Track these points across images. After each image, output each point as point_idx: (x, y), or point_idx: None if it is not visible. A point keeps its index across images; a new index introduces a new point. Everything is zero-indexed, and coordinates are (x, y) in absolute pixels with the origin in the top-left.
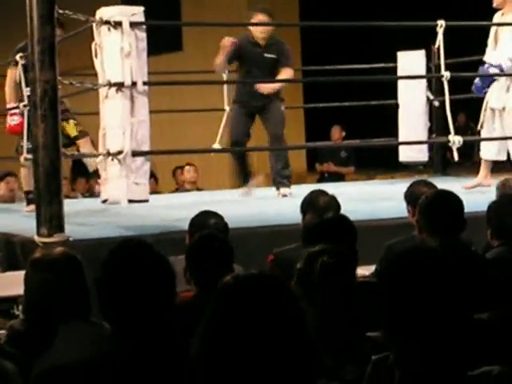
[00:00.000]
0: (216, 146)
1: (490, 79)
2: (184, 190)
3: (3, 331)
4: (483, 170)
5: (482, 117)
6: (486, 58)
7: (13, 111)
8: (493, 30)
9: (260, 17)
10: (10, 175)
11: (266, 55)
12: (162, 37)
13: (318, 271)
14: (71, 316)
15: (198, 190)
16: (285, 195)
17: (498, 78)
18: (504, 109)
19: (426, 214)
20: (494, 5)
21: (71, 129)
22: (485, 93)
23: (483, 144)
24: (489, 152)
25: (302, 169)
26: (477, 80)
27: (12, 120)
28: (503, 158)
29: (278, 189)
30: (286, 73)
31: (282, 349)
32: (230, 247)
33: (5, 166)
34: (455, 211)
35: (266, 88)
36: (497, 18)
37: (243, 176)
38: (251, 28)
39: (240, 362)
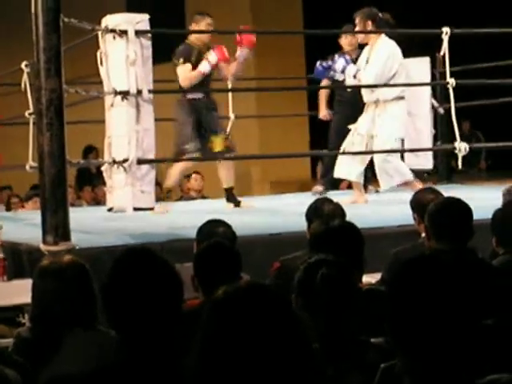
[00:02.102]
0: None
1: (325, 68)
2: (189, 197)
3: (9, 339)
4: (354, 189)
5: (347, 141)
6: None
7: None
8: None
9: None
10: (37, 195)
11: None
12: (167, 45)
13: (318, 283)
14: (78, 324)
15: (203, 197)
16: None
17: (366, 108)
18: (372, 137)
19: (435, 222)
20: (359, 41)
21: (219, 143)
22: (328, 77)
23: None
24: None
25: (307, 176)
26: (318, 64)
27: None
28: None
29: None
30: None
31: (278, 360)
32: (239, 256)
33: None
34: (464, 219)
35: None
36: (367, 50)
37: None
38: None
39: (235, 375)
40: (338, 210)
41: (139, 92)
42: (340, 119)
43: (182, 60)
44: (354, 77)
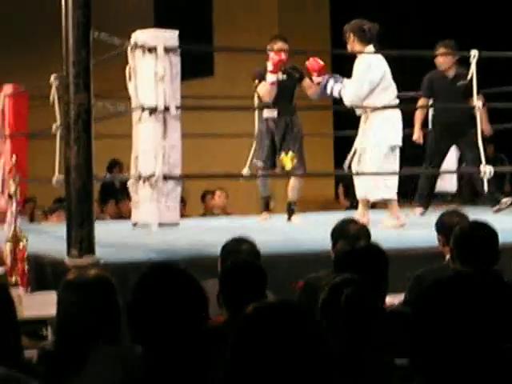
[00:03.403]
0: (246, 171)
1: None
2: (212, 214)
3: (32, 350)
4: (360, 207)
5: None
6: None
7: None
8: None
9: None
10: (61, 208)
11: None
12: (194, 62)
13: (343, 303)
14: (103, 338)
15: (227, 214)
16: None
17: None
18: (365, 149)
19: (460, 244)
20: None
21: (288, 161)
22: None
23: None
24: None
25: (331, 196)
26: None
27: None
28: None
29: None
30: None
31: (304, 378)
32: (264, 274)
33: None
34: (489, 242)
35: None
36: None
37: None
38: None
39: None
40: (364, 231)
41: (167, 108)
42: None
43: (256, 81)
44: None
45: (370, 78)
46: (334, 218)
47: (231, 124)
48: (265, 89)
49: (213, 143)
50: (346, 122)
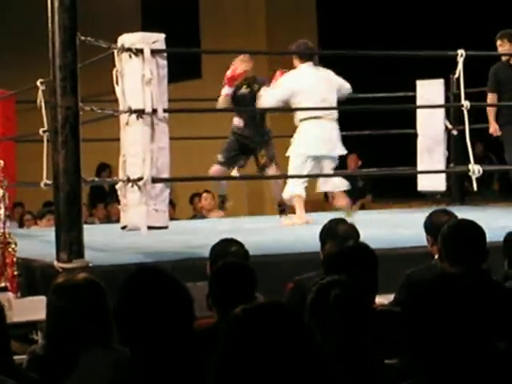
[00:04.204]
0: (234, 173)
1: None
2: (201, 216)
3: (22, 356)
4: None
5: None
6: None
7: None
8: None
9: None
10: (50, 213)
11: None
12: (182, 64)
13: (330, 304)
14: (93, 342)
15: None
16: None
17: None
18: None
19: (448, 244)
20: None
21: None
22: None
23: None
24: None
25: (320, 197)
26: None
27: None
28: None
29: None
30: None
31: (292, 378)
32: (253, 275)
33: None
34: (477, 241)
35: None
36: None
37: None
38: None
39: None
40: (352, 231)
41: (154, 111)
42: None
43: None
44: None
45: (283, 91)
46: (324, 218)
47: (219, 126)
48: (220, 99)
49: (201, 145)
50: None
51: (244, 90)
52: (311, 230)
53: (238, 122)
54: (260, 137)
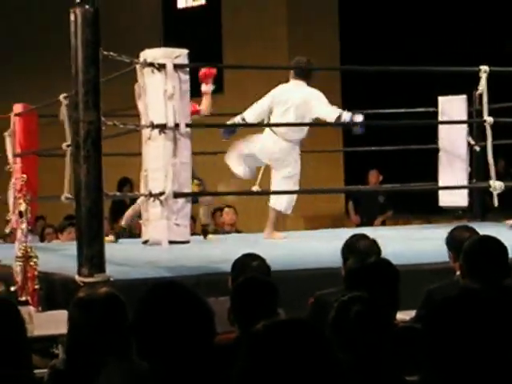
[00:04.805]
0: (256, 188)
1: None
2: (223, 231)
3: (43, 370)
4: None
5: None
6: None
7: None
8: None
9: None
10: (71, 225)
11: None
12: None
13: (351, 320)
14: (114, 356)
15: (237, 231)
16: None
17: None
18: None
19: (470, 259)
20: None
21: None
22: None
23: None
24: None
25: (341, 212)
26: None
27: None
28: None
29: None
30: None
31: None
32: (275, 290)
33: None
34: (499, 257)
35: None
36: None
37: None
38: None
39: None
40: (374, 247)
41: (177, 126)
42: None
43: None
44: None
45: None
46: (345, 234)
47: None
48: None
49: (223, 160)
50: (356, 138)
51: None
52: (331, 245)
53: None
54: None
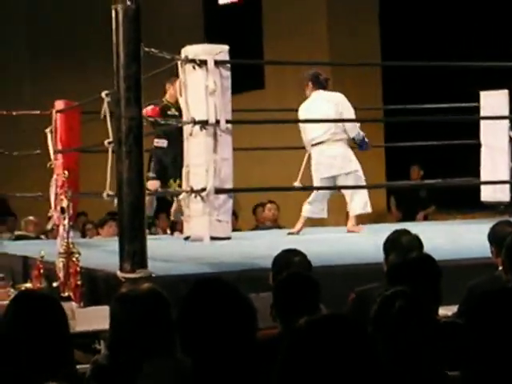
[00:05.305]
0: (297, 184)
1: None
2: (264, 227)
3: (85, 365)
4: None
5: None
6: None
7: None
8: None
9: None
10: (112, 220)
11: None
12: (245, 75)
13: (394, 315)
14: (156, 352)
15: (279, 227)
16: None
17: None
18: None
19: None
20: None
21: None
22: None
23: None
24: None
25: (383, 208)
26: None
27: None
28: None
29: None
30: None
31: None
32: (317, 286)
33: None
34: None
35: None
36: None
37: None
38: None
39: None
40: (416, 242)
41: (218, 122)
42: None
43: None
44: None
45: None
46: (386, 229)
47: (282, 137)
48: None
49: (264, 156)
50: (397, 133)
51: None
52: (373, 240)
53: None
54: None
